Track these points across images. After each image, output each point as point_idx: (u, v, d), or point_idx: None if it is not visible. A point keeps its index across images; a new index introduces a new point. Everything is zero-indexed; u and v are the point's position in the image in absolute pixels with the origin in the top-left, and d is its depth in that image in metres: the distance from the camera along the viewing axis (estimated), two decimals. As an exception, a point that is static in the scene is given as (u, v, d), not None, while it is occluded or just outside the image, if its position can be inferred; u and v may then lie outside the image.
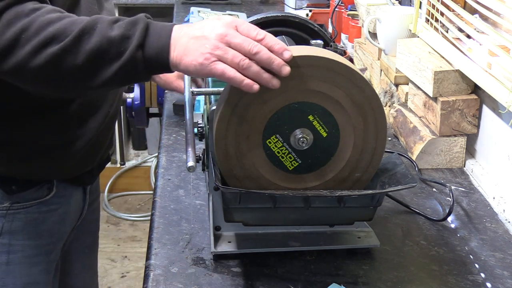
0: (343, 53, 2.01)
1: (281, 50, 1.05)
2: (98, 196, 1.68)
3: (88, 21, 1.08)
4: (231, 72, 1.03)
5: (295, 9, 2.66)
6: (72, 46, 1.06)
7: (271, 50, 1.05)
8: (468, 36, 1.61)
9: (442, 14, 1.71)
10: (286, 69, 1.05)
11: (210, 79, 1.33)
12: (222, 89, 1.17)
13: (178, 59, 1.06)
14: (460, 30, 1.63)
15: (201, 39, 1.05)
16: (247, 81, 1.04)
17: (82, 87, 1.12)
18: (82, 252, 1.68)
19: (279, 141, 1.13)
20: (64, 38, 1.06)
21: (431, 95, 1.58)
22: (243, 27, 1.06)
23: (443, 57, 1.64)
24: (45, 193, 1.40)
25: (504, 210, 1.41)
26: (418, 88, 1.67)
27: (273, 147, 1.14)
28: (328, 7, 2.54)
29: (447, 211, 1.39)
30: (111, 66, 1.07)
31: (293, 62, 1.08)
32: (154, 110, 1.98)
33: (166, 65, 1.07)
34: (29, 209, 1.38)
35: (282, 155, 1.14)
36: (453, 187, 1.48)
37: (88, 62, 1.06)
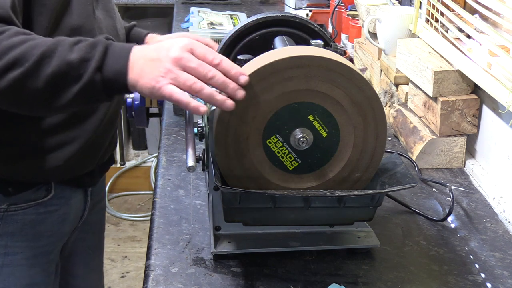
0: (343, 53, 2.01)
1: (237, 75, 1.07)
2: (103, 198, 1.68)
3: (49, 45, 1.10)
4: (178, 94, 1.05)
5: (295, 9, 2.66)
6: (32, 71, 1.08)
7: (227, 74, 1.07)
8: (468, 36, 1.61)
9: (442, 14, 1.72)
10: (240, 93, 1.07)
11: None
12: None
13: (135, 80, 1.08)
14: (460, 30, 1.63)
15: (156, 62, 1.07)
16: (194, 103, 1.06)
17: (45, 108, 1.15)
18: (87, 253, 1.67)
19: (279, 141, 1.13)
20: (25, 63, 1.08)
21: (431, 95, 1.58)
22: (199, 50, 1.07)
23: (443, 57, 1.64)
24: (43, 195, 1.39)
25: (504, 210, 1.41)
26: (418, 88, 1.67)
27: (273, 147, 1.14)
28: (328, 7, 2.54)
29: (447, 211, 1.39)
30: (71, 89, 1.09)
31: (293, 62, 1.08)
32: (154, 110, 1.99)
33: (124, 87, 1.10)
34: (26, 211, 1.38)
35: (282, 155, 1.14)
36: (453, 187, 1.48)
37: (48, 85, 1.09)
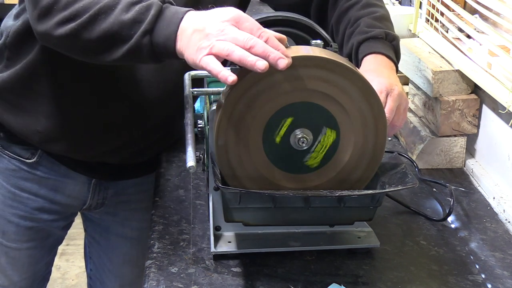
0: (343, 53, 2.01)
1: (276, 59, 1.03)
2: (144, 200, 1.65)
3: (109, 1, 1.13)
4: (211, 65, 1.04)
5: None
6: (87, 24, 1.14)
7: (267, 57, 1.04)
8: (468, 36, 1.61)
9: (442, 14, 1.72)
10: (283, 62, 1.03)
11: (207, 79, 1.33)
12: (222, 89, 1.17)
13: (182, 50, 1.08)
14: (460, 30, 1.63)
15: (201, 33, 1.06)
16: (223, 73, 1.03)
17: (96, 59, 1.20)
18: (124, 242, 1.72)
19: (279, 141, 1.13)
20: (82, 15, 1.14)
21: (431, 95, 1.58)
22: (246, 24, 1.06)
23: (443, 57, 1.64)
24: (28, 156, 1.50)
25: (504, 210, 1.41)
26: (418, 88, 1.67)
27: (273, 147, 1.13)
28: (328, 7, 2.53)
29: (447, 211, 1.39)
30: (120, 48, 1.12)
31: (293, 63, 1.08)
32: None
33: (173, 54, 1.10)
34: (12, 160, 1.51)
35: (282, 155, 1.14)
36: (453, 187, 1.48)
37: (100, 40, 1.13)
